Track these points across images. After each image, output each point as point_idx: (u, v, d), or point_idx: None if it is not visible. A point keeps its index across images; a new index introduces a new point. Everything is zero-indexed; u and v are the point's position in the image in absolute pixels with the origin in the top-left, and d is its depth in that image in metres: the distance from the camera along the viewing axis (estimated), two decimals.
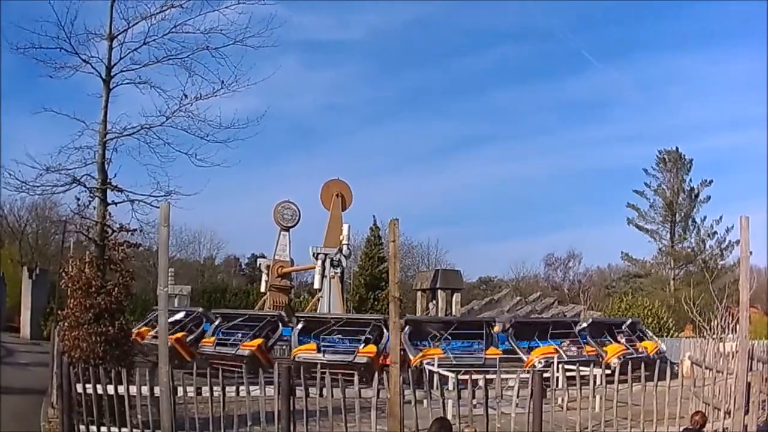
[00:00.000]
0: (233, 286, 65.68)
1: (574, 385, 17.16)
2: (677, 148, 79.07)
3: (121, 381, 16.73)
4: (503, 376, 17.15)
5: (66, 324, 19.26)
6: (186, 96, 21.12)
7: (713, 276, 48.77)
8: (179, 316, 34.60)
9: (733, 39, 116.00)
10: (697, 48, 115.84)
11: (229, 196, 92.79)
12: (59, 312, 21.00)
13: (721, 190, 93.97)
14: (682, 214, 78.09)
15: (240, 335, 31.04)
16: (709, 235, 76.88)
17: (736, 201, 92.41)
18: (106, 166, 20.59)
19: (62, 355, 18.81)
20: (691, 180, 78.53)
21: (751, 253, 16.09)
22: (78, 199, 20.79)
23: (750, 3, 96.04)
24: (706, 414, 15.40)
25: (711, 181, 77.96)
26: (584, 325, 34.28)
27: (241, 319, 33.21)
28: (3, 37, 20.86)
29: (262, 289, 48.14)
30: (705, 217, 77.52)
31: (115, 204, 20.81)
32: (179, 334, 31.35)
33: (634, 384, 16.86)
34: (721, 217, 75.72)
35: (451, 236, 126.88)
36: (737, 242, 20.21)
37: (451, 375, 22.09)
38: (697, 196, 78.09)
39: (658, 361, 31.51)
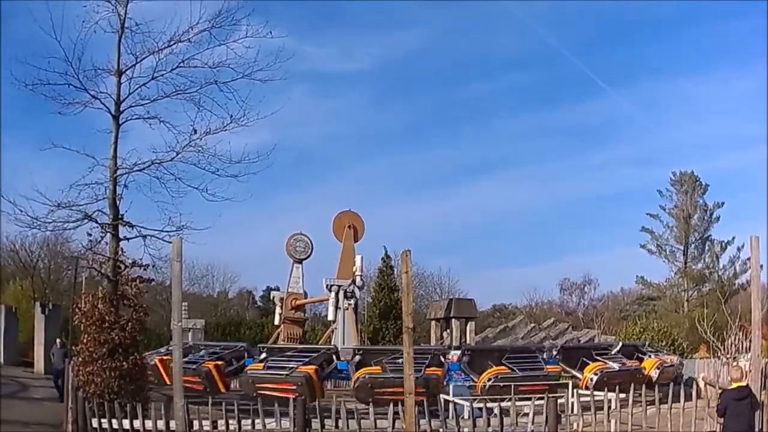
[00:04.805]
0: (247, 319, 65.60)
1: (589, 410, 17.10)
2: (693, 171, 79.17)
3: (137, 415, 16.78)
4: (518, 403, 17.08)
5: (80, 359, 19.36)
6: (195, 131, 21.18)
7: (726, 295, 48.53)
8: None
9: (739, 59, 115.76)
10: (702, 69, 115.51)
11: (241, 229, 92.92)
12: (73, 347, 21.08)
13: (734, 208, 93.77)
14: (697, 236, 77.95)
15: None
16: (721, 249, 76.59)
17: (748, 219, 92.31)
18: (118, 201, 20.65)
19: (77, 390, 18.89)
20: (705, 201, 78.50)
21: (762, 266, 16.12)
22: (90, 235, 20.86)
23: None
24: None
25: (723, 203, 78.00)
26: (553, 352, 33.26)
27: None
28: (9, 71, 20.98)
29: (276, 322, 48.04)
30: (724, 240, 77.31)
31: (127, 239, 20.88)
32: (218, 362, 29.83)
33: (648, 407, 16.83)
34: (733, 238, 75.52)
35: (463, 264, 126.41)
36: (749, 259, 20.20)
37: (466, 404, 22.07)
38: (712, 216, 77.97)
39: (658, 375, 31.49)
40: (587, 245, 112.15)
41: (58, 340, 32.39)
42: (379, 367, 27.64)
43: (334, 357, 30.26)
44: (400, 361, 29.15)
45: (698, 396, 17.32)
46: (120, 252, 20.63)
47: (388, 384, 26.18)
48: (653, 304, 77.71)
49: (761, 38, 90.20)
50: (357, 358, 29.57)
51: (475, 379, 28.98)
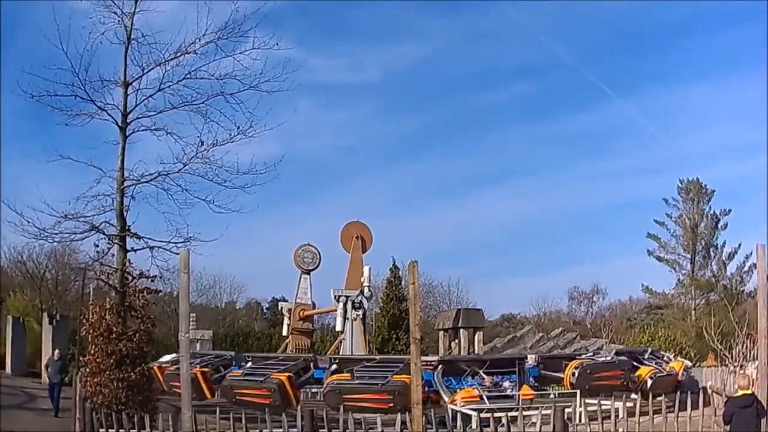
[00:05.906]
0: (255, 330, 65.60)
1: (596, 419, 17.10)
2: (698, 178, 78.94)
3: (144, 426, 16.81)
4: (525, 413, 17.07)
5: (88, 370, 19.40)
6: (202, 142, 21.22)
7: (733, 303, 48.35)
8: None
9: (745, 65, 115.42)
10: (707, 76, 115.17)
11: (248, 240, 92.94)
12: (80, 358, 21.11)
13: (741, 216, 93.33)
14: (703, 243, 77.65)
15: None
16: (728, 257, 76.39)
17: (755, 227, 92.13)
18: (125, 213, 20.70)
19: (84, 401, 18.93)
20: (711, 209, 78.28)
21: None
22: (97, 246, 20.91)
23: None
24: None
25: (729, 210, 77.74)
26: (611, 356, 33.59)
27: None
28: (16, 82, 21.02)
29: (284, 333, 48.06)
30: (725, 242, 77.06)
31: (135, 251, 20.93)
32: (204, 369, 29.88)
33: (655, 416, 16.78)
34: (740, 245, 75.31)
35: (471, 274, 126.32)
36: (755, 265, 20.15)
37: (474, 414, 22.01)
38: (719, 224, 77.69)
39: (685, 377, 31.44)
40: (595, 254, 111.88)
41: (56, 351, 31.70)
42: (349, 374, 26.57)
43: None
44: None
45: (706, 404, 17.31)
46: (127, 263, 20.67)
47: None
48: (661, 312, 77.45)
49: (762, 45, 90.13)
50: (333, 366, 28.84)
51: None
